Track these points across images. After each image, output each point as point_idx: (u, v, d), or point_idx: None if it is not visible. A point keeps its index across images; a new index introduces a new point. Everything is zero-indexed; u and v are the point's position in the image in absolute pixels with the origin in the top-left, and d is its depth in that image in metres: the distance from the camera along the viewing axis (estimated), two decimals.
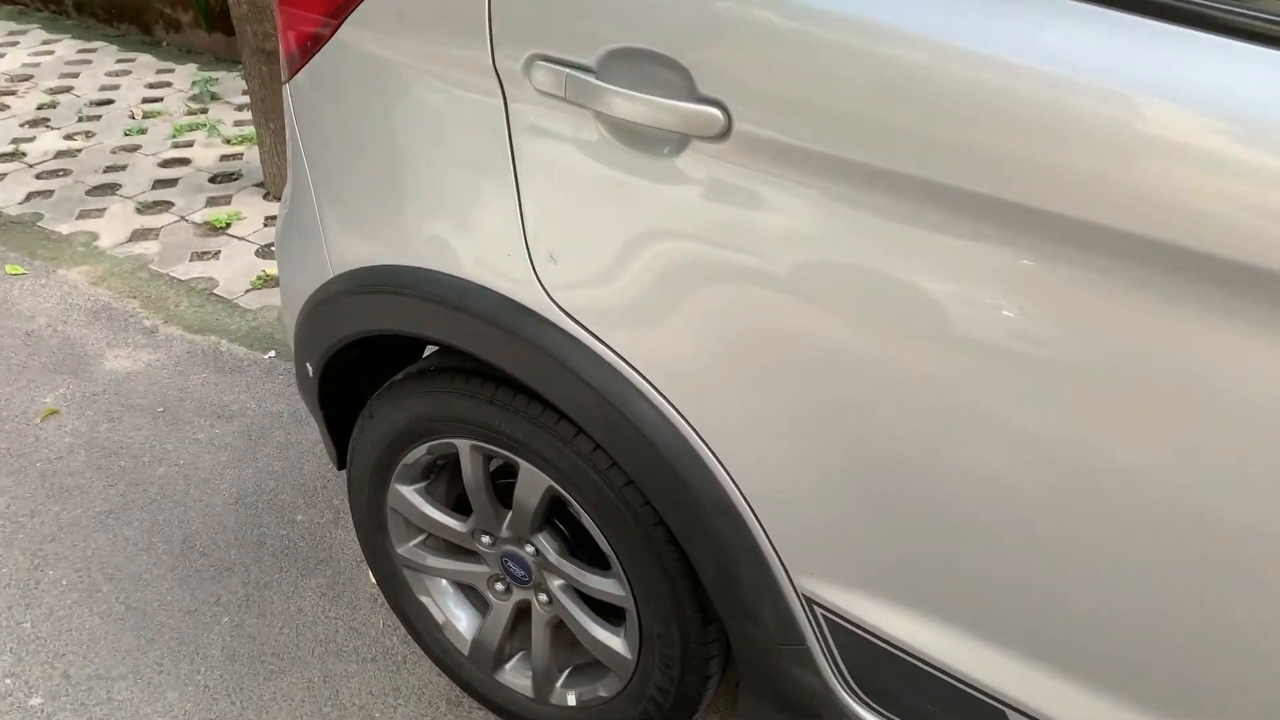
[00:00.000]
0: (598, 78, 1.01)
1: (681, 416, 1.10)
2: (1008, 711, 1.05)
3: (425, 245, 1.21)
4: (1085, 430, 0.86)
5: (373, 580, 1.86)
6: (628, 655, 1.38)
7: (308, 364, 1.47)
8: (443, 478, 1.53)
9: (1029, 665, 1.02)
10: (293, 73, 1.33)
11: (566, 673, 1.53)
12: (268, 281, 2.82)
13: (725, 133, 0.94)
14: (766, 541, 1.12)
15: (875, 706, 1.18)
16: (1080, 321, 0.83)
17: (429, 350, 1.53)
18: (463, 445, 1.37)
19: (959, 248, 0.86)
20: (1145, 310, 0.79)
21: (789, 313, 0.99)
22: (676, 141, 0.98)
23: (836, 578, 1.10)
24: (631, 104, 0.99)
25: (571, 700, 1.50)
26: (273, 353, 2.50)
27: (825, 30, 0.87)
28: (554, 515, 1.40)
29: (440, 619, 1.60)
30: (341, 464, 1.64)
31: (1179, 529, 0.85)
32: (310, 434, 2.24)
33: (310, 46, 1.28)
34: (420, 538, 1.57)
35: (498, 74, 1.09)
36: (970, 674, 1.06)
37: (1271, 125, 0.71)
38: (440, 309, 1.21)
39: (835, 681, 1.18)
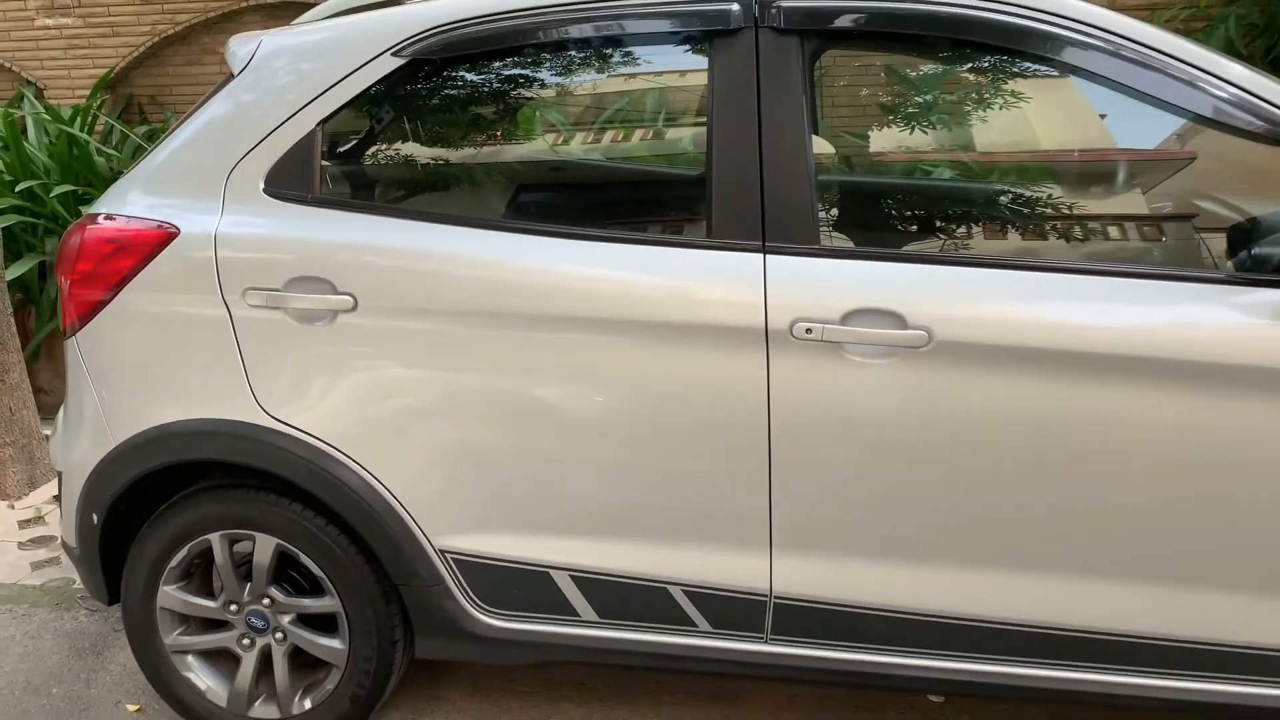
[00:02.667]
0: (282, 292, 2.02)
1: (360, 466, 2.05)
2: (550, 571, 2.06)
3: (189, 406, 2.09)
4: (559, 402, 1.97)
5: (130, 708, 2.45)
6: (343, 647, 2.19)
7: (94, 514, 2.20)
8: (194, 579, 2.28)
9: (560, 540, 2.04)
10: (77, 329, 2.18)
11: (301, 690, 2.28)
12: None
13: (355, 307, 1.99)
14: (415, 524, 2.07)
15: (490, 608, 2.11)
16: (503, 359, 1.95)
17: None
18: (215, 537, 2.18)
19: (468, 339, 1.97)
20: (564, 345, 1.94)
21: (406, 392, 2.02)
22: (330, 316, 2.01)
23: (454, 532, 2.07)
24: (303, 302, 2.01)
25: (309, 704, 2.25)
26: None
27: (382, 258, 1.98)
28: (279, 575, 2.22)
29: (203, 687, 2.29)
30: (113, 599, 2.32)
31: (589, 440, 1.97)
32: (46, 643, 2.76)
33: (92, 311, 2.16)
34: (183, 626, 2.28)
35: (225, 302, 2.06)
36: (533, 558, 2.05)
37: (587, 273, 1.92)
38: (207, 437, 2.08)
39: (465, 602, 2.11)
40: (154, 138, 5.33)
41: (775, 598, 1.99)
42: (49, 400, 4.48)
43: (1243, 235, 1.87)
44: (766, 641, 2.03)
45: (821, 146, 2.01)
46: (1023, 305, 1.81)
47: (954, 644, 1.95)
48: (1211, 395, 1.76)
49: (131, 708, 2.50)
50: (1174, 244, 2.07)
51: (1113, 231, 2.05)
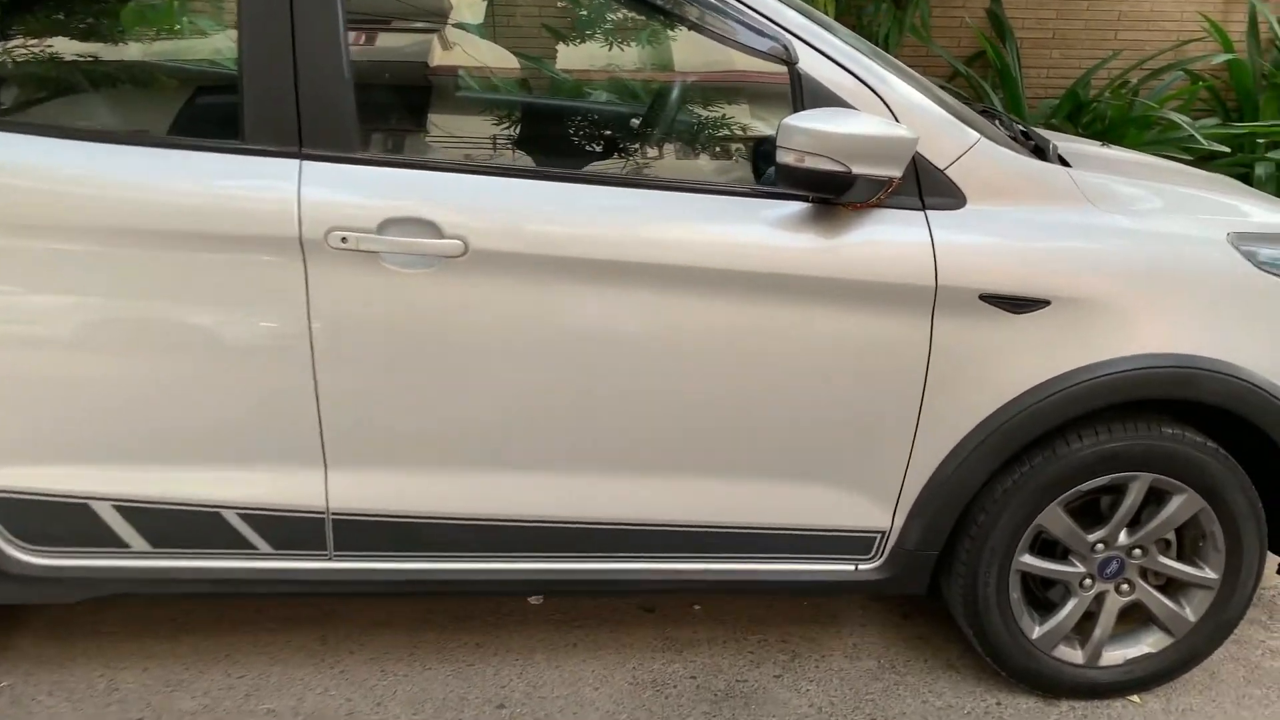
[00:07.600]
0: None
1: None
2: (89, 503, 1.92)
3: None
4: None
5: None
6: None
7: None
8: None
9: (97, 469, 1.90)
10: None
11: None
12: None
13: None
14: None
15: (32, 546, 1.95)
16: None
17: None
18: None
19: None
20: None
21: None
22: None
23: None
24: None
25: None
26: None
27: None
28: None
29: None
30: None
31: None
32: None
33: None
34: None
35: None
36: (71, 489, 1.90)
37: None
38: None
39: (2, 540, 1.94)
40: None
41: (333, 514, 1.96)
42: None
43: (766, 153, 1.99)
44: (331, 559, 2.01)
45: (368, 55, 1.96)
46: (560, 216, 1.84)
47: (512, 545, 2.01)
48: (725, 295, 1.87)
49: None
50: (721, 163, 2.19)
51: (663, 149, 2.14)
